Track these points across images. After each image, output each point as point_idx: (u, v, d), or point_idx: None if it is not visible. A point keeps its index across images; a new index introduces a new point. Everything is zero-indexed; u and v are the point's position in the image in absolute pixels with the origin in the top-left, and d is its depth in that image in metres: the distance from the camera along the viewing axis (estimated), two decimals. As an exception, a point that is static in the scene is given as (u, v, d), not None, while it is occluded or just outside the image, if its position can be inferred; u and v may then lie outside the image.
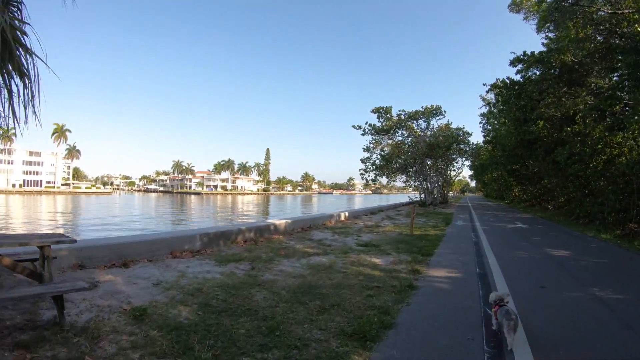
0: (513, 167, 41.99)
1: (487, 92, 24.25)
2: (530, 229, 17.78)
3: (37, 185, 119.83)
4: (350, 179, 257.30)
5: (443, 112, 37.87)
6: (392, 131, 37.81)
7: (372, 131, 37.73)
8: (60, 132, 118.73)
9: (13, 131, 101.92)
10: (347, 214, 19.77)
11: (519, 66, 22.70)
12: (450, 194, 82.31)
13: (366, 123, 37.74)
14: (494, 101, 25.96)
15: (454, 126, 41.05)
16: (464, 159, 48.28)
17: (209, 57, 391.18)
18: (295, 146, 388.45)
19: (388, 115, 37.17)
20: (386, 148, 39.03)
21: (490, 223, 20.39)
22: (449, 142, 36.83)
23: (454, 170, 52.30)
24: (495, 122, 43.65)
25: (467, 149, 44.48)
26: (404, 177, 42.31)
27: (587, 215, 20.80)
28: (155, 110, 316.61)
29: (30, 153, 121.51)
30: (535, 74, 22.47)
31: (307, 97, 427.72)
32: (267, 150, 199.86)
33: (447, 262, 8.89)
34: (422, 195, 40.49)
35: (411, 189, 45.67)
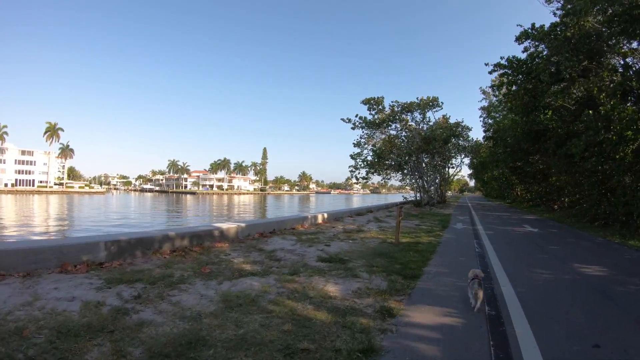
0: (516, 164, 39.29)
1: (490, 72, 21.07)
2: (543, 234, 14.87)
3: (30, 185, 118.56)
4: (349, 178, 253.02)
5: (440, 104, 34.63)
6: (384, 124, 34.58)
7: (363, 124, 34.49)
8: (52, 131, 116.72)
9: (5, 130, 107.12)
10: (326, 215, 16.87)
11: (527, 43, 19.69)
12: (449, 193, 79.34)
13: (356, 116, 34.55)
14: (498, 84, 22.60)
15: (452, 121, 38.00)
16: (462, 155, 45.16)
17: (203, 56, 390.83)
18: (293, 146, 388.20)
19: (380, 107, 33.82)
20: (378, 144, 35.92)
21: (495, 226, 17.50)
22: (447, 135, 33.47)
23: (453, 168, 49.10)
24: (497, 116, 40.60)
25: (466, 144, 41.46)
26: (399, 175, 39.34)
27: (605, 217, 18.01)
28: (153, 110, 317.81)
29: (23, 152, 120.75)
30: (544, 53, 19.45)
31: (304, 95, 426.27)
32: (264, 149, 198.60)
33: (440, 290, 6.01)
34: (418, 195, 37.28)
35: (408, 188, 42.28)
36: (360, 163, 35.42)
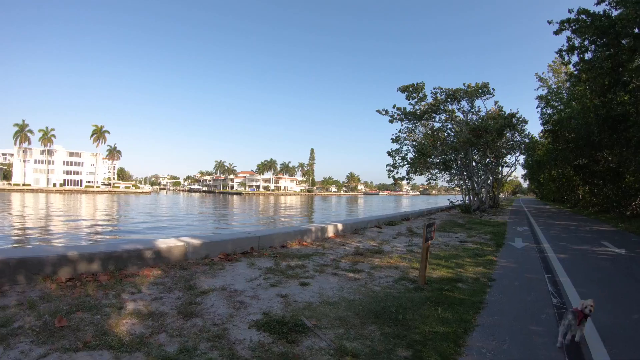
0: (580, 161, 34.02)
1: (557, 32, 16.15)
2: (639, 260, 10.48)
3: (77, 185, 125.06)
4: (396, 179, 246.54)
5: (491, 91, 28.74)
6: (426, 116, 29.35)
7: (402, 116, 29.43)
8: (99, 134, 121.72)
9: (52, 132, 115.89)
10: (340, 227, 13.03)
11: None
12: (501, 195, 72.86)
13: (394, 106, 29.39)
14: (567, 49, 17.24)
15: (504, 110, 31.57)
16: (517, 153, 38.96)
17: (249, 58, 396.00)
18: (341, 146, 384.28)
19: (420, 95, 28.44)
20: (419, 138, 30.91)
21: (566, 244, 12.98)
22: (500, 125, 27.32)
23: (508, 167, 43.02)
24: (558, 105, 34.65)
25: (521, 140, 35.66)
26: (446, 175, 34.42)
27: None
28: (202, 112, 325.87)
29: (71, 154, 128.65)
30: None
31: (352, 94, 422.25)
32: (312, 150, 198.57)
33: None
34: (467, 198, 31.73)
35: (458, 189, 36.78)
36: (399, 161, 30.66)
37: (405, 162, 30.28)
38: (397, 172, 30.91)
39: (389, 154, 30.87)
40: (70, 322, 4.11)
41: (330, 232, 12.39)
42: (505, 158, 38.65)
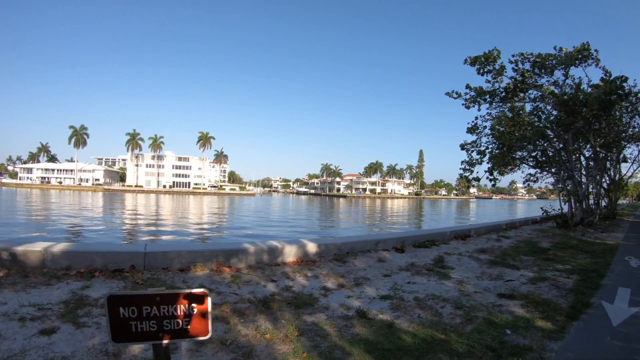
0: None
1: None
2: None
3: (186, 187, 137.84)
4: (512, 182, 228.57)
5: (593, 54, 19.32)
6: (510, 94, 21.00)
7: (477, 97, 21.53)
8: (205, 140, 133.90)
9: (162, 140, 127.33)
10: (312, 247, 8.11)
11: None
12: (624, 201, 59.88)
13: (467, 86, 21.62)
14: None
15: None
16: (638, 144, 28.90)
17: (353, 63, 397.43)
18: (452, 147, 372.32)
19: (496, 67, 20.29)
20: (496, 124, 22.41)
21: None
22: (603, 93, 17.38)
23: (626, 162, 31.39)
24: None
25: None
26: (547, 176, 26.64)
27: None
28: (314, 115, 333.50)
29: (179, 158, 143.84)
30: None
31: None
32: (421, 151, 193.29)
33: None
34: (566, 206, 23.24)
35: (558, 193, 27.09)
36: (476, 156, 22.81)
37: (484, 158, 22.83)
38: (473, 172, 23.17)
39: (463, 147, 23.42)
40: None
41: (290, 255, 7.79)
42: (624, 151, 28.68)
